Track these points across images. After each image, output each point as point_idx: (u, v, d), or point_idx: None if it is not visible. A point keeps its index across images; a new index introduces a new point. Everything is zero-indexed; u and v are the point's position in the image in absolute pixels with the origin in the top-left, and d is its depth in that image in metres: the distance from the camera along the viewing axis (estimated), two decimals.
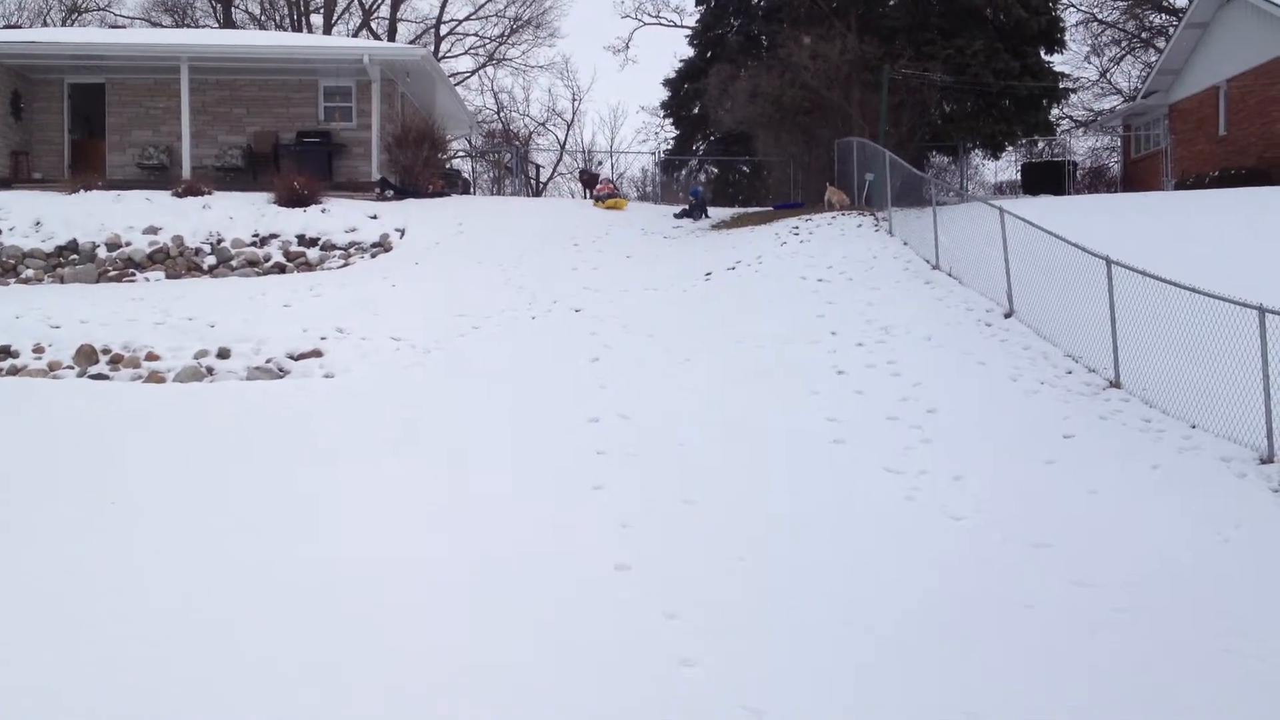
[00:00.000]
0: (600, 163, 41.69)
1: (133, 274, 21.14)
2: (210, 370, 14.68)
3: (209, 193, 24.23)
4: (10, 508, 9.14)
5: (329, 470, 10.30)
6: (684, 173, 40.48)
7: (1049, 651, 6.72)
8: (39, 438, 11.28)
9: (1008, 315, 15.69)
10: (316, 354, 15.23)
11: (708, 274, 19.58)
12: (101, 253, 21.43)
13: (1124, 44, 44.31)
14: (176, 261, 21.62)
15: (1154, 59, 36.90)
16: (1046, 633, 6.99)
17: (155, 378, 14.34)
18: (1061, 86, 33.70)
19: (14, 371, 14.51)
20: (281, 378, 14.62)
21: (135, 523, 8.80)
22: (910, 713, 5.84)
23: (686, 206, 26.06)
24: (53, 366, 14.67)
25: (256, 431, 11.71)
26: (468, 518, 9.02)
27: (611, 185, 28.19)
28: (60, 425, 11.81)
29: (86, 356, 14.80)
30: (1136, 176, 34.70)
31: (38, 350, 15.00)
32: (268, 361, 14.95)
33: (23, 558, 8.00)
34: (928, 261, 18.90)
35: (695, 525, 9.04)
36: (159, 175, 26.14)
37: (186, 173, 25.84)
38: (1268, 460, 10.24)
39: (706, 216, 25.66)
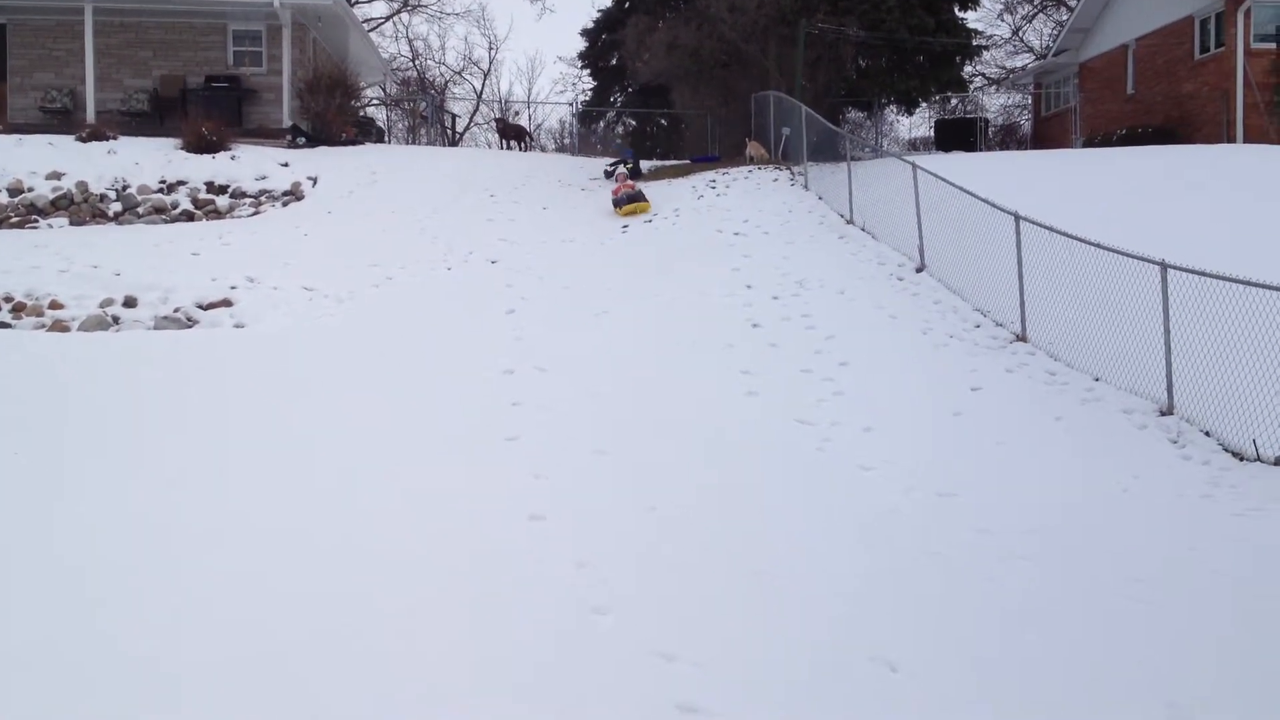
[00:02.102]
0: (518, 113, 41.26)
1: (35, 220, 20.58)
2: (116, 319, 14.37)
3: (114, 138, 23.63)
4: None
5: (236, 421, 10.16)
6: (602, 125, 40.27)
7: (953, 597, 6.88)
8: None
9: (919, 270, 15.91)
10: (226, 303, 14.99)
11: (625, 226, 19.59)
12: (3, 198, 20.82)
13: (1036, 2, 44.82)
14: (81, 208, 21.08)
15: (1065, 18, 37.38)
16: (950, 579, 7.16)
17: (59, 326, 14.01)
18: (975, 44, 34.02)
19: None
20: (190, 327, 14.37)
21: (37, 472, 8.62)
22: (818, 657, 5.96)
23: (613, 164, 25.13)
24: None
25: (162, 381, 11.51)
26: (378, 470, 8.97)
27: (632, 185, 21.56)
28: None
29: None
30: (1047, 134, 35.26)
31: None
32: (176, 311, 14.67)
33: None
34: (842, 216, 19.09)
35: (608, 476, 9.09)
36: (63, 119, 25.40)
37: (91, 117, 25.15)
38: (1167, 412, 10.54)
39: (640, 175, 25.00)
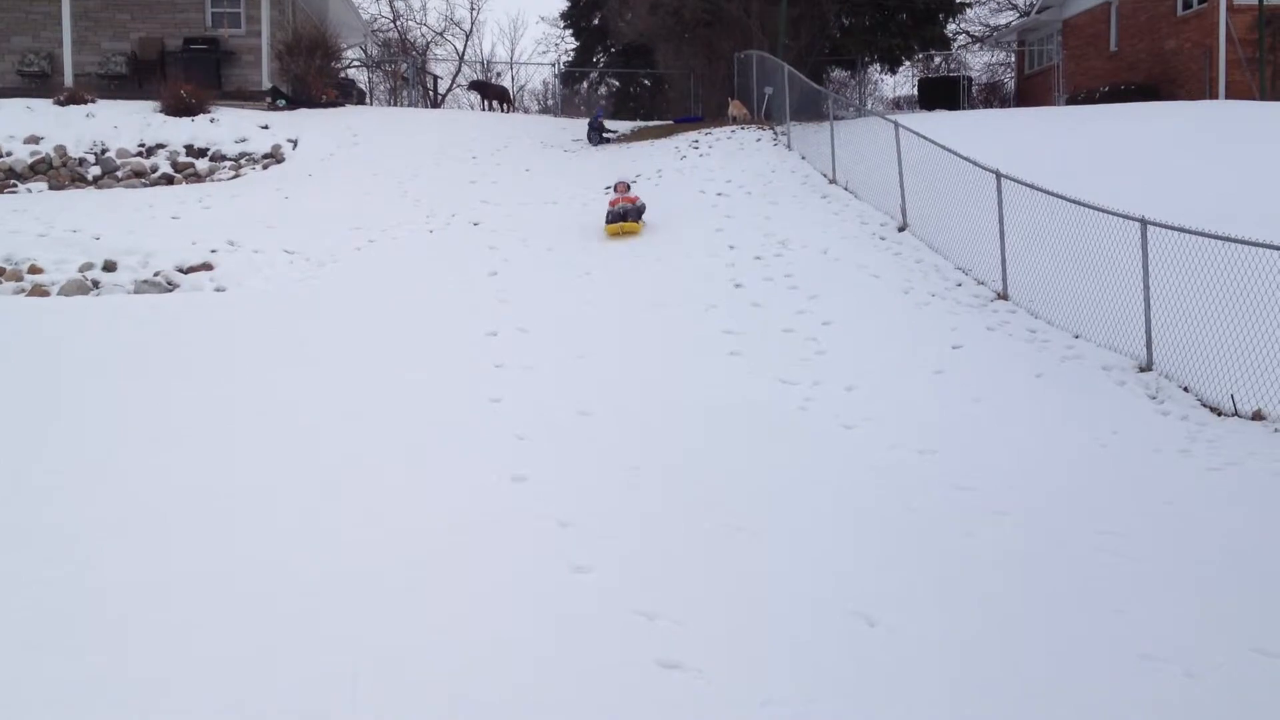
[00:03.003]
0: (499, 74, 40.97)
1: (14, 185, 20.45)
2: (96, 284, 14.31)
3: (93, 101, 23.46)
4: None
5: (221, 384, 10.15)
6: (584, 85, 40.03)
7: (933, 553, 6.93)
8: None
9: (901, 229, 15.92)
10: (207, 267, 14.92)
11: (608, 188, 19.52)
12: None
13: None
14: (60, 172, 20.95)
15: None
16: (930, 535, 7.21)
17: (39, 291, 13.94)
18: (958, 1, 33.88)
19: None
20: (170, 291, 14.31)
21: (13, 436, 8.61)
22: (799, 612, 6.01)
23: (595, 126, 24.99)
24: None
25: (143, 345, 11.48)
26: (360, 432, 8.98)
27: (634, 198, 17.19)
28: None
29: None
30: (1030, 92, 35.20)
31: None
32: (156, 275, 14.60)
33: None
34: (825, 176, 19.05)
35: (591, 436, 9.11)
36: (40, 83, 25.18)
37: (69, 80, 24.96)
38: (1146, 369, 10.60)
39: (606, 139, 24.93)
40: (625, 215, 16.71)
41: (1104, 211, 11.41)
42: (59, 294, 13.91)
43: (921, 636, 5.81)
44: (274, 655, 5.32)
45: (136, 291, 14.19)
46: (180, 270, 14.78)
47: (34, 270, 14.39)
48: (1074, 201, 11.92)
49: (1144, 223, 10.81)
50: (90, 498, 7.35)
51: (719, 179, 19.49)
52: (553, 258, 15.57)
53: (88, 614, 5.69)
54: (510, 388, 10.33)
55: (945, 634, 5.85)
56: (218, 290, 14.27)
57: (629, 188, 17.66)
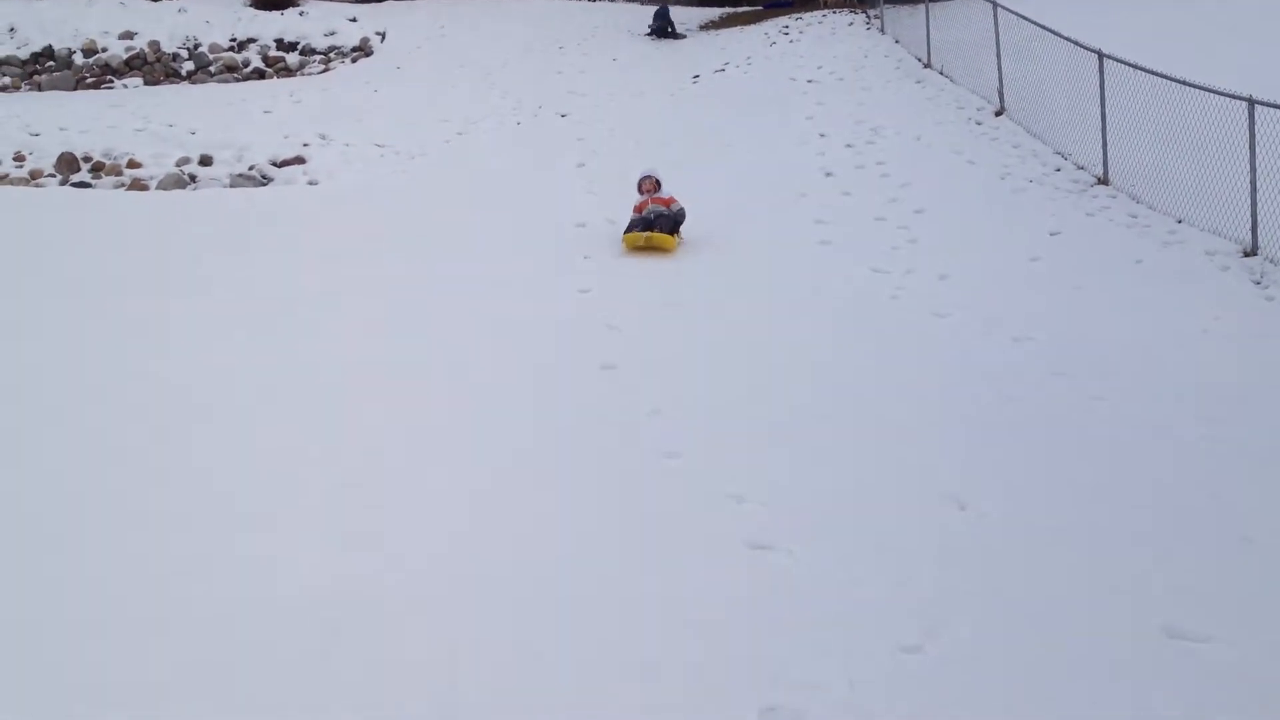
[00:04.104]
0: None
1: (110, 80, 20.74)
2: (193, 177, 14.54)
3: None
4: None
5: (328, 271, 10.27)
6: None
7: (1027, 440, 6.86)
8: (28, 244, 11.19)
9: (998, 113, 15.52)
10: (299, 161, 15.08)
11: (695, 76, 19.27)
12: (78, 59, 20.98)
13: None
14: (154, 67, 21.18)
15: None
16: (1025, 422, 7.13)
17: (138, 185, 14.21)
18: None
19: None
20: (265, 185, 14.50)
21: (128, 326, 8.83)
22: (888, 497, 6.01)
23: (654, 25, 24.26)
24: (34, 175, 14.51)
25: (246, 237, 11.67)
26: (456, 319, 9.06)
27: (667, 200, 11.75)
28: (49, 231, 11.70)
29: (68, 164, 14.63)
30: None
31: (19, 158, 14.82)
32: (251, 169, 14.80)
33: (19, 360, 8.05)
34: (919, 60, 18.59)
35: (680, 326, 9.10)
36: None
37: None
38: (1251, 253, 10.28)
39: (673, 33, 24.10)
40: (653, 224, 11.40)
41: (1209, 91, 10.98)
42: (157, 188, 14.16)
43: (1010, 523, 5.78)
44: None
45: (232, 185, 14.40)
46: (274, 164, 14.95)
47: (132, 165, 14.66)
48: (1179, 81, 11.48)
49: (1251, 102, 10.38)
50: (246, 352, 7.56)
51: (809, 65, 19.11)
52: (640, 149, 15.45)
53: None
54: (599, 280, 10.33)
55: (1035, 521, 5.81)
56: (310, 184, 14.42)
57: (659, 185, 11.88)
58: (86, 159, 14.79)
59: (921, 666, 4.48)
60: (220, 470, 6.21)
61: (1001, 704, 4.25)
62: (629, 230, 11.42)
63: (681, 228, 11.52)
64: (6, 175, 14.45)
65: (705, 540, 5.50)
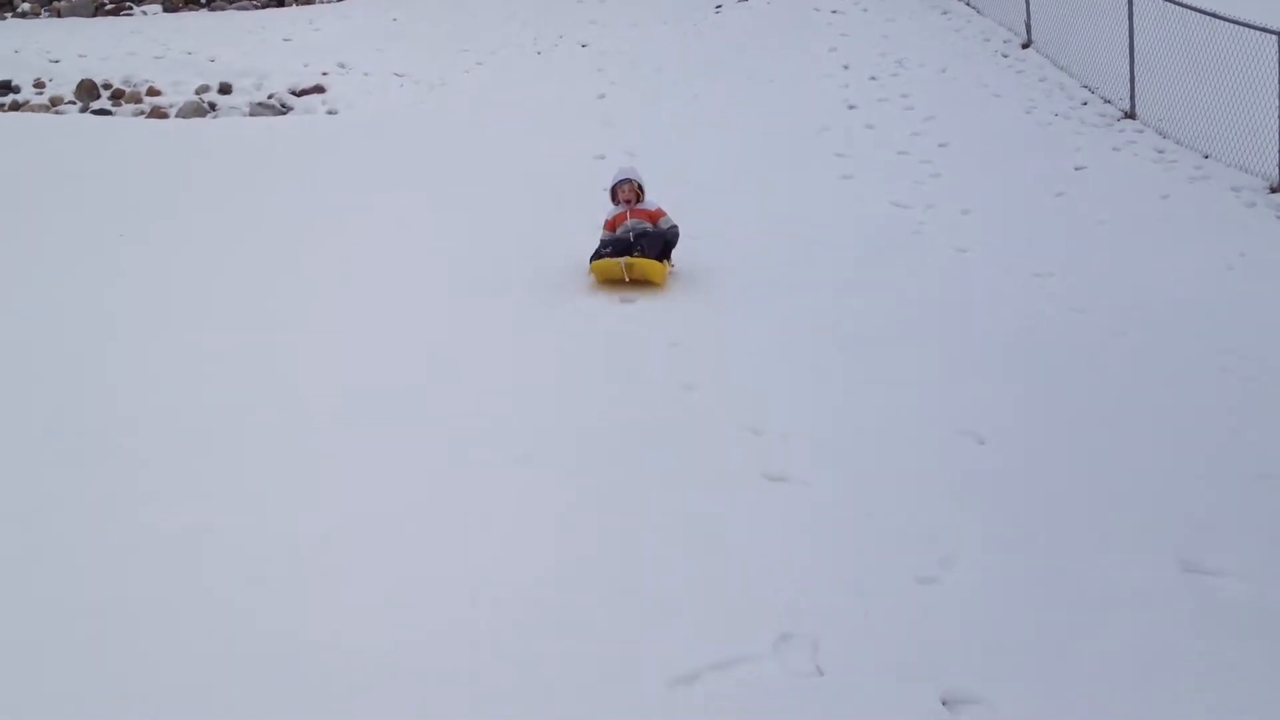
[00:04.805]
0: None
1: (130, 7, 20.62)
2: (213, 106, 14.49)
3: None
4: (21, 238, 9.19)
5: (349, 198, 10.26)
6: None
7: (1046, 375, 6.84)
8: (46, 170, 11.19)
9: (1025, 45, 15.32)
10: (319, 90, 15.00)
11: (718, 6, 19.02)
12: None
13: None
14: None
15: None
16: (1044, 357, 7.10)
17: (158, 113, 14.17)
18: None
19: (15, 107, 14.35)
20: (285, 114, 14.44)
21: (146, 251, 8.86)
22: (906, 430, 6.00)
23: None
24: (54, 102, 14.49)
25: (263, 164, 11.64)
26: (474, 252, 9.03)
27: (654, 212, 8.57)
28: (67, 159, 11.69)
29: (88, 91, 14.59)
30: None
31: (38, 85, 14.79)
32: (270, 97, 14.74)
33: (30, 286, 8.09)
34: None
35: (700, 257, 9.05)
36: None
37: None
38: (1277, 189, 10.17)
39: None
40: (634, 245, 8.20)
41: (1238, 24, 10.80)
42: (177, 116, 14.12)
43: (1029, 458, 5.77)
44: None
45: (251, 114, 14.35)
46: (293, 93, 14.89)
47: (152, 93, 14.61)
48: (1208, 14, 11.29)
49: None
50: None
51: None
52: (662, 79, 15.31)
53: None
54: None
55: (1054, 456, 5.81)
56: (330, 113, 14.36)
57: (641, 192, 8.68)
58: (106, 86, 14.75)
59: (937, 597, 4.50)
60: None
61: (1018, 637, 4.27)
62: (598, 255, 8.23)
63: (674, 251, 8.49)
64: (27, 102, 14.43)
65: (722, 472, 5.51)
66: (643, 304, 7.87)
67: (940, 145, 12.22)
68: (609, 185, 8.83)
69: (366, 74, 15.68)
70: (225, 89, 14.75)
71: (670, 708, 3.81)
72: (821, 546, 4.85)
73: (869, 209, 10.45)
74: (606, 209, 8.69)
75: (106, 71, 14.92)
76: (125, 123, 13.61)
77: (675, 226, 8.51)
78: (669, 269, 8.44)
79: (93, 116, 13.99)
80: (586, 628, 4.22)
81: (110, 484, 5.24)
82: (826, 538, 4.92)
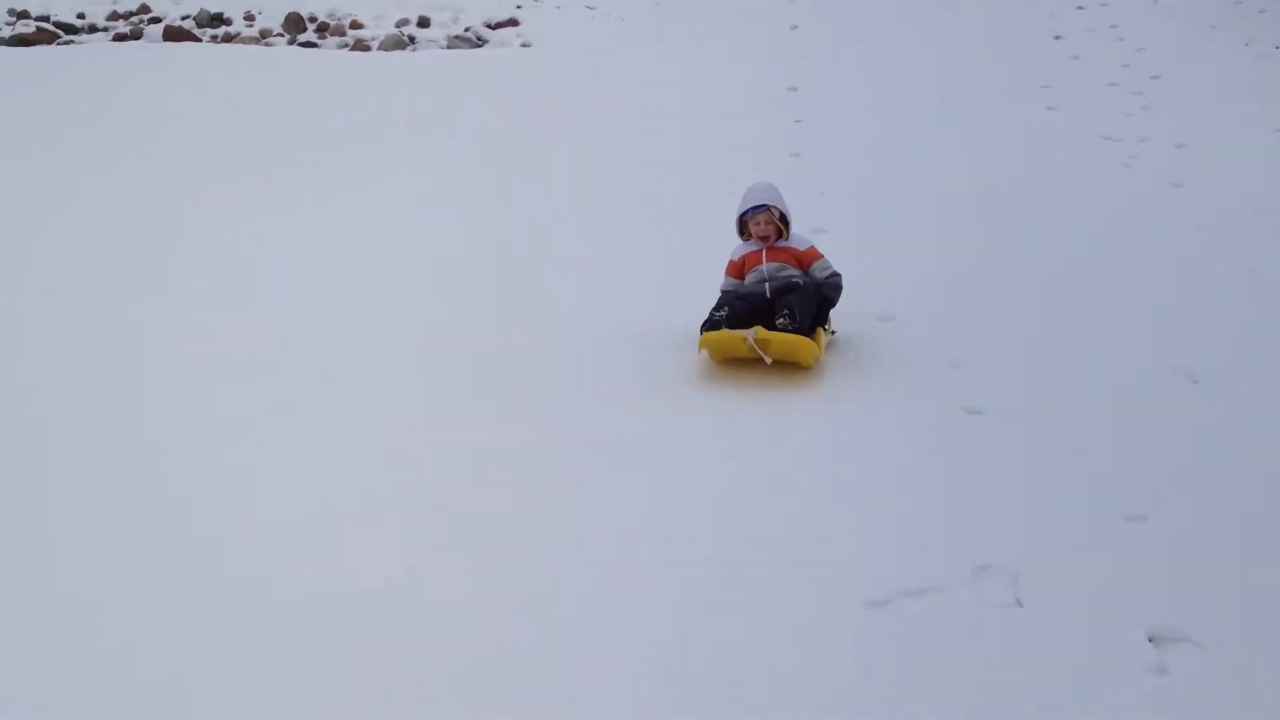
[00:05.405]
0: None
1: None
2: (412, 39, 14.77)
3: None
4: (250, 171, 9.54)
5: (535, 128, 10.39)
6: None
7: (1266, 313, 6.49)
8: (262, 99, 11.59)
9: None
10: (513, 23, 15.15)
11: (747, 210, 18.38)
12: None
13: None
14: None
15: None
16: (1262, 297, 6.74)
17: (360, 45, 14.53)
18: None
19: (228, 39, 14.89)
20: (480, 46, 14.63)
21: (365, 177, 9.12)
22: (1120, 366, 5.76)
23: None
24: (264, 34, 14.98)
25: (460, 95, 11.82)
26: (680, 166, 9.02)
27: (798, 257, 6.01)
28: (279, 86, 12.04)
29: (295, 24, 15.05)
30: None
31: (249, 18, 15.32)
32: (466, 30, 14.95)
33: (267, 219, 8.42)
34: None
35: (893, 176, 8.81)
36: None
37: None
38: None
39: None
40: (774, 305, 5.74)
41: None
42: (378, 49, 14.45)
43: (1245, 397, 5.48)
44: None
45: (449, 46, 14.58)
46: (488, 26, 15.06)
47: (355, 25, 14.98)
48: None
49: None
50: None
51: None
52: (843, 14, 14.95)
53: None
54: (811, 143, 10.08)
55: (1271, 396, 5.51)
56: (524, 45, 14.47)
57: (785, 225, 6.14)
58: (312, 19, 15.19)
59: (1145, 535, 4.33)
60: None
61: (1228, 577, 4.08)
62: (712, 324, 5.61)
63: (828, 324, 5.94)
64: (239, 34, 14.97)
65: (922, 405, 5.41)
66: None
67: (1153, 77, 11.69)
68: (737, 213, 6.19)
69: (559, 7, 15.78)
70: (424, 22, 15.01)
71: (864, 626, 3.79)
72: (1023, 482, 4.72)
73: (1076, 141, 10.02)
74: (732, 248, 6.25)
75: (313, 5, 15.35)
76: (330, 55, 13.99)
77: (836, 275, 5.98)
78: (827, 337, 5.88)
79: (300, 49, 14.43)
80: (788, 550, 4.20)
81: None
82: (1029, 473, 4.78)
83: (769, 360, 5.49)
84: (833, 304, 5.93)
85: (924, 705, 3.43)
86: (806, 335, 5.57)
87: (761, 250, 6.04)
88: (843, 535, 4.30)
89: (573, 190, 8.81)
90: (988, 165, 9.35)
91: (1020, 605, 3.92)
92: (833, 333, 6.00)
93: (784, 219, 6.11)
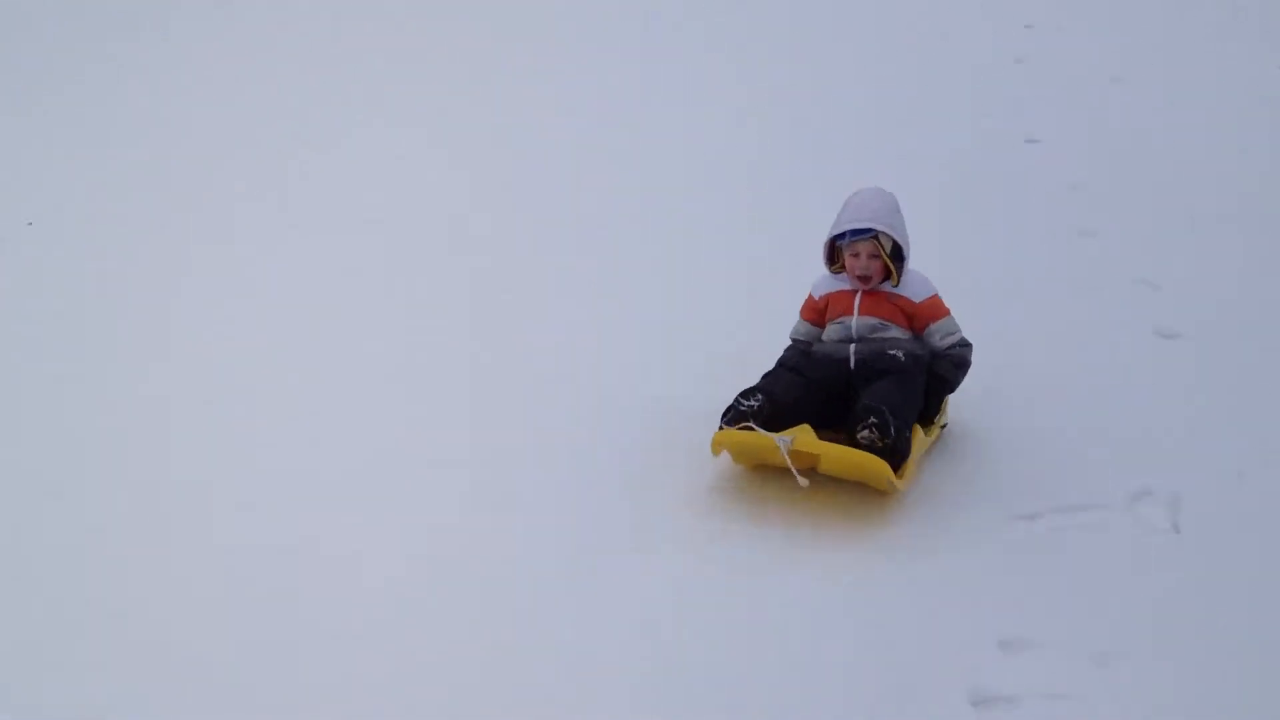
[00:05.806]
0: None
1: None
2: None
3: None
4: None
5: None
6: None
7: None
8: None
9: None
10: None
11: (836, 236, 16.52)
12: None
13: None
14: None
15: None
16: None
17: None
18: None
19: None
20: None
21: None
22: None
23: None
24: None
25: None
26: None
27: (898, 300, 4.15)
28: None
29: None
30: None
31: None
32: None
33: None
34: None
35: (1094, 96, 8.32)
36: None
37: None
38: None
39: None
40: (848, 381, 4.07)
41: None
42: None
43: None
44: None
45: None
46: None
47: None
48: None
49: None
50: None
51: None
52: None
53: None
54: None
55: None
56: None
57: (894, 262, 4.13)
58: None
59: None
60: None
61: None
62: (737, 414, 3.90)
63: (948, 401, 4.29)
64: None
65: (1113, 324, 5.32)
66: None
67: None
68: (827, 236, 4.27)
69: None
70: None
71: (1008, 536, 3.84)
72: (1203, 408, 4.63)
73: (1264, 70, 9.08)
74: (815, 277, 4.43)
75: None
76: None
77: (966, 346, 4.25)
78: (932, 437, 4.18)
79: None
80: (945, 464, 4.23)
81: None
82: (1211, 400, 4.69)
83: (804, 483, 3.76)
84: (952, 388, 4.22)
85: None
86: (901, 450, 3.81)
87: (855, 294, 4.21)
88: (999, 450, 4.31)
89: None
90: (1180, 99, 8.61)
91: (1177, 531, 3.89)
92: (943, 426, 4.31)
93: (897, 252, 4.18)
